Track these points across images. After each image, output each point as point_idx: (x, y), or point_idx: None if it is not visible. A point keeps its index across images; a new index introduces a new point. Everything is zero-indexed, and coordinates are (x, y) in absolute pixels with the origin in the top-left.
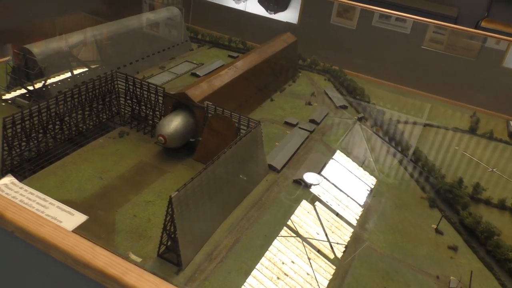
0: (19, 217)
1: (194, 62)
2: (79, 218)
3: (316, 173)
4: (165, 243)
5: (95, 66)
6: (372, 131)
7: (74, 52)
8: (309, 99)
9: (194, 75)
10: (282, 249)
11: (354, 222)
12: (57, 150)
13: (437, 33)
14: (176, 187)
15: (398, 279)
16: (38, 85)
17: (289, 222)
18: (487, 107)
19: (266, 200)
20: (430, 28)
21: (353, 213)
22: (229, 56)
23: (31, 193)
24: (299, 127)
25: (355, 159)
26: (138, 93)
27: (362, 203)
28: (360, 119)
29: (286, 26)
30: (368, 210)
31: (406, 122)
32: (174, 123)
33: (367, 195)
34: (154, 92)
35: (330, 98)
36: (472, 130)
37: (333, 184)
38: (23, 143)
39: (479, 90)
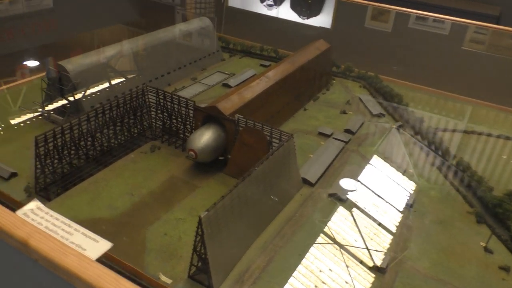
0: (44, 245)
1: (226, 72)
2: (104, 245)
3: (353, 179)
4: (195, 264)
5: (129, 78)
6: (413, 137)
7: (109, 66)
8: (344, 108)
9: (226, 85)
10: (319, 257)
11: (394, 229)
12: (88, 167)
13: (478, 33)
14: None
15: None
16: (77, 96)
17: (325, 229)
18: None
19: (300, 216)
20: (470, 28)
21: (393, 220)
22: (261, 65)
23: (56, 218)
24: (334, 138)
25: (392, 164)
26: (169, 106)
27: (401, 209)
28: (399, 128)
29: (319, 32)
30: (408, 226)
31: (445, 130)
32: (204, 137)
33: (406, 201)
34: (184, 105)
35: (365, 106)
36: None
37: (370, 189)
38: (56, 161)
39: None
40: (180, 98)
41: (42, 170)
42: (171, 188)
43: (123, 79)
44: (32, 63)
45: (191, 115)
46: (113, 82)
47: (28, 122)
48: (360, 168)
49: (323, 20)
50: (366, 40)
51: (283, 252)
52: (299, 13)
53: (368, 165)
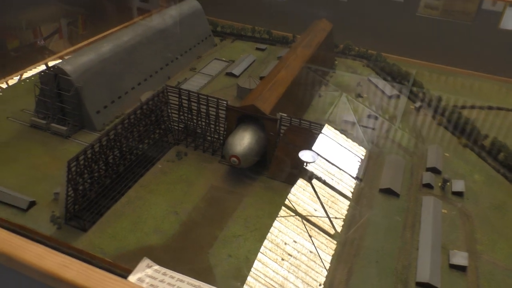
0: None
1: (224, 59)
2: None
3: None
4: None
5: (129, 75)
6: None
7: (106, 64)
8: (357, 91)
9: (230, 74)
10: (283, 230)
11: (351, 195)
12: (117, 184)
13: None
14: (261, 214)
15: None
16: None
17: (286, 202)
18: None
19: (360, 218)
20: None
21: (349, 186)
22: (257, 48)
23: (180, 279)
24: (360, 125)
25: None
26: (194, 107)
27: (355, 175)
28: (418, 109)
29: (276, 4)
30: (468, 215)
31: (463, 107)
32: (246, 141)
33: (359, 166)
34: (214, 105)
35: (377, 87)
36: None
37: (325, 159)
38: (87, 184)
39: None
40: (209, 98)
41: (75, 197)
42: (216, 200)
43: (123, 76)
44: None
45: (222, 115)
46: (113, 80)
47: (22, 134)
48: (401, 157)
49: None
50: (322, 10)
51: (359, 260)
52: None
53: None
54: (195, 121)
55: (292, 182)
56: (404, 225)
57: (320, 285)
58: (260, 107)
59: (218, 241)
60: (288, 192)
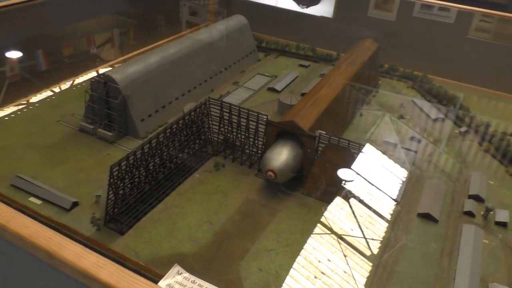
0: None
1: (266, 74)
2: None
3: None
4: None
5: (174, 87)
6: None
7: (152, 75)
8: (400, 112)
9: (272, 90)
10: (317, 247)
11: (389, 217)
12: (155, 191)
13: (485, 22)
14: (293, 229)
15: None
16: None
17: (322, 219)
18: None
19: (396, 242)
20: (476, 16)
21: (387, 208)
22: (300, 65)
23: (200, 285)
24: (402, 147)
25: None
26: (235, 120)
27: (394, 197)
28: (464, 134)
29: (320, 21)
30: (511, 247)
31: None
32: (283, 156)
33: (399, 188)
34: (254, 119)
35: (421, 109)
36: None
37: (364, 178)
38: (127, 189)
39: None
40: (250, 112)
41: (115, 201)
42: (250, 213)
43: (168, 87)
44: (15, 54)
45: (262, 129)
46: (159, 90)
47: (70, 137)
48: (442, 181)
49: (324, 9)
50: (369, 29)
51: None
52: (298, 2)
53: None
54: (234, 133)
55: (327, 200)
56: (441, 252)
57: None
58: (299, 123)
59: (250, 254)
60: (322, 210)
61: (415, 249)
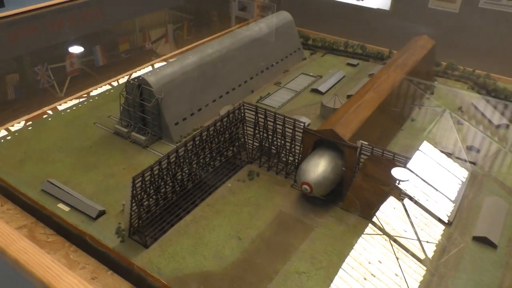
0: None
1: (311, 74)
2: None
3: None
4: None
5: (210, 88)
6: None
7: (189, 76)
8: (457, 117)
9: (315, 91)
10: (367, 248)
11: (445, 219)
12: (183, 201)
13: None
14: (329, 250)
15: None
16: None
17: (374, 219)
18: None
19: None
20: None
21: (443, 209)
22: (348, 64)
23: None
24: (456, 157)
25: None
26: (270, 127)
27: (453, 198)
28: None
29: (377, 14)
30: None
31: None
32: (320, 168)
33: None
34: (291, 127)
35: (483, 114)
36: None
37: (420, 177)
38: (152, 200)
39: None
40: (286, 119)
41: (138, 212)
42: (283, 229)
43: (205, 89)
44: (77, 49)
45: (299, 137)
46: (195, 92)
47: (104, 140)
48: (503, 200)
49: (381, 1)
50: (427, 23)
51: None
52: None
53: (417, 151)
54: (270, 140)
55: (368, 217)
56: (500, 284)
57: None
58: (339, 132)
59: (279, 275)
60: (363, 227)
61: (468, 279)
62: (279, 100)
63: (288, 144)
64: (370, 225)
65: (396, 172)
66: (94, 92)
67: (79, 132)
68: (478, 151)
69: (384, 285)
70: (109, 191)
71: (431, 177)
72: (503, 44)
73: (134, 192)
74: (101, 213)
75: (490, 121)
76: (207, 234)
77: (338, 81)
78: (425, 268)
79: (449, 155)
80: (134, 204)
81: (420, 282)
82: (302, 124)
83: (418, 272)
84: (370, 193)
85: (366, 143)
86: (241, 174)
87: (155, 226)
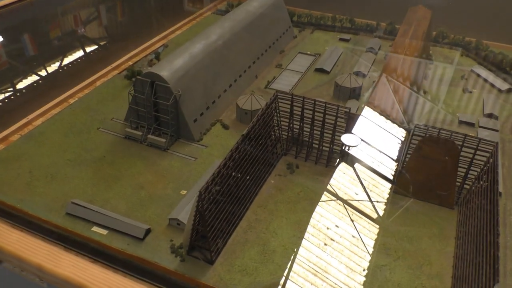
0: None
1: (309, 53)
2: None
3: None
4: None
5: (222, 80)
6: None
7: (200, 67)
8: (464, 85)
9: (321, 70)
10: (324, 214)
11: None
12: (234, 206)
13: None
14: (398, 236)
15: None
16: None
17: (328, 187)
18: None
19: None
20: None
21: (389, 169)
22: (341, 39)
23: None
24: (480, 126)
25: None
26: (308, 114)
27: (395, 158)
28: None
29: None
30: None
31: None
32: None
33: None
34: (333, 113)
35: (486, 80)
36: None
37: (365, 141)
38: (212, 213)
39: None
40: (328, 105)
41: (204, 227)
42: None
43: (216, 79)
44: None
45: (340, 123)
46: (208, 84)
47: (117, 147)
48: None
49: None
50: None
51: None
52: None
53: (360, 117)
54: (308, 129)
55: (422, 198)
56: None
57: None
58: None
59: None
60: (416, 209)
61: None
62: (287, 83)
63: (329, 132)
64: (325, 192)
65: (346, 138)
66: (75, 93)
67: (84, 140)
68: (497, 118)
69: (343, 248)
70: (144, 205)
71: (376, 140)
72: (493, 11)
73: (201, 207)
74: (148, 232)
75: (493, 86)
76: (271, 238)
77: (338, 58)
78: (378, 227)
79: (472, 125)
80: (198, 221)
81: (375, 240)
82: (348, 109)
83: (372, 232)
84: (426, 174)
85: (422, 124)
86: (280, 168)
87: (216, 239)
